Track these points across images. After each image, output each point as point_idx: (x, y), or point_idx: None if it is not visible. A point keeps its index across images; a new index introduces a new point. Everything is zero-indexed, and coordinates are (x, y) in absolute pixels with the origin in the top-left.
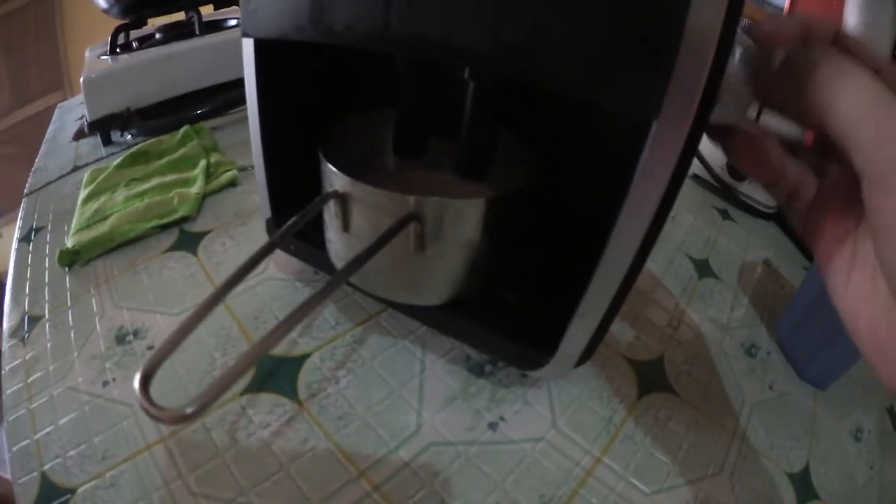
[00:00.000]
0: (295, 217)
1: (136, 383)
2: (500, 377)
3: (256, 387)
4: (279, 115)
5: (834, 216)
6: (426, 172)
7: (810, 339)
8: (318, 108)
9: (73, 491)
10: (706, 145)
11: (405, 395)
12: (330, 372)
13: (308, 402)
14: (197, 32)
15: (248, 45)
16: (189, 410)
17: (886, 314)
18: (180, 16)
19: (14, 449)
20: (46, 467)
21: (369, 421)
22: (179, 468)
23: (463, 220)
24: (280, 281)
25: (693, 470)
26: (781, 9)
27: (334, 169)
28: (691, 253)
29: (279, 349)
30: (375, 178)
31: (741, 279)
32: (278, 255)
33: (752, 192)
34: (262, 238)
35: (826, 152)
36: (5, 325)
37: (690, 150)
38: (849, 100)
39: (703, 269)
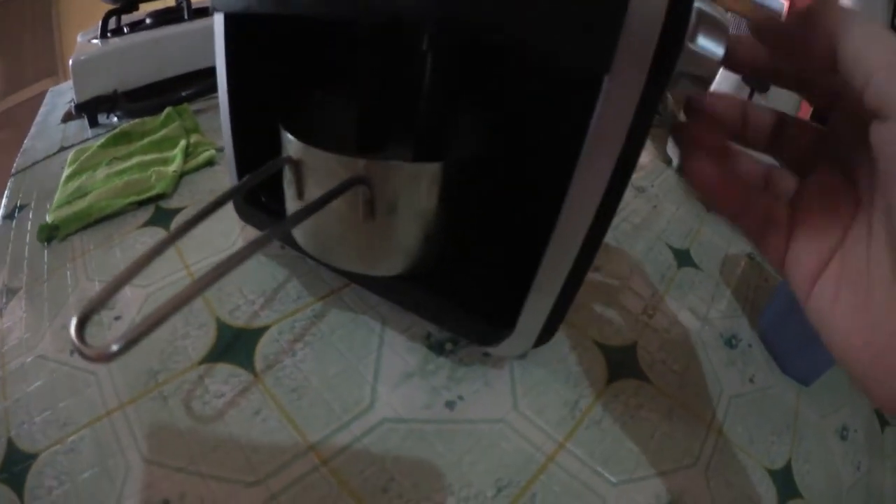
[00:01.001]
0: (249, 175)
1: (73, 325)
2: (460, 356)
3: (215, 357)
4: (247, 90)
5: (817, 232)
6: (385, 154)
7: (794, 333)
8: (286, 86)
9: (35, 456)
10: None
11: (361, 369)
12: (288, 344)
13: (263, 374)
14: (186, 18)
15: (218, 20)
16: (114, 348)
17: (886, 316)
18: (172, 3)
19: None
20: (13, 433)
21: (323, 394)
22: (135, 435)
23: (411, 185)
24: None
25: (665, 461)
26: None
27: (289, 135)
28: (672, 242)
29: (239, 321)
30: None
31: (723, 271)
32: (247, 233)
33: None
34: (232, 215)
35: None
36: None
37: (647, 109)
38: (859, 31)
39: (684, 258)
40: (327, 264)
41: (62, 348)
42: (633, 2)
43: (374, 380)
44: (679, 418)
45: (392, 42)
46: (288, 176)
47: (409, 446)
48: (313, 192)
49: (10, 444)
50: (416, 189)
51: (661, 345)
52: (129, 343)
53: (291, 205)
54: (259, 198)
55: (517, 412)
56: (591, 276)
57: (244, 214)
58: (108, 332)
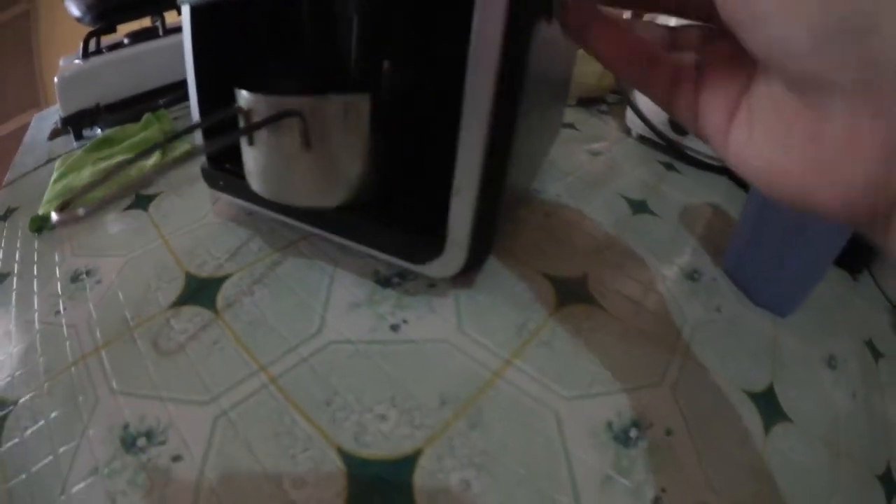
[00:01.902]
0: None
1: (56, 209)
2: (406, 287)
3: (181, 301)
4: (211, 68)
5: (724, 82)
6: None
7: (759, 261)
8: (246, 62)
9: (15, 402)
10: (647, 104)
11: (312, 303)
12: (247, 287)
13: (223, 311)
14: (161, 34)
15: (185, 11)
16: (80, 212)
17: (801, 128)
18: (148, 23)
19: None
20: None
21: (276, 325)
22: (106, 373)
23: (339, 114)
24: (216, 224)
25: (625, 379)
26: None
27: (239, 90)
28: (627, 195)
29: (205, 272)
30: None
31: (683, 217)
32: (217, 202)
33: (699, 145)
34: (206, 194)
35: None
36: None
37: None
38: None
39: (640, 207)
40: (279, 203)
41: (48, 311)
42: None
43: (323, 310)
44: (638, 341)
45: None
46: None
47: (353, 365)
48: (261, 135)
49: None
50: (344, 118)
51: (614, 276)
52: (92, 209)
53: (246, 155)
54: (224, 165)
55: (462, 333)
56: (542, 220)
57: (211, 180)
58: (89, 293)
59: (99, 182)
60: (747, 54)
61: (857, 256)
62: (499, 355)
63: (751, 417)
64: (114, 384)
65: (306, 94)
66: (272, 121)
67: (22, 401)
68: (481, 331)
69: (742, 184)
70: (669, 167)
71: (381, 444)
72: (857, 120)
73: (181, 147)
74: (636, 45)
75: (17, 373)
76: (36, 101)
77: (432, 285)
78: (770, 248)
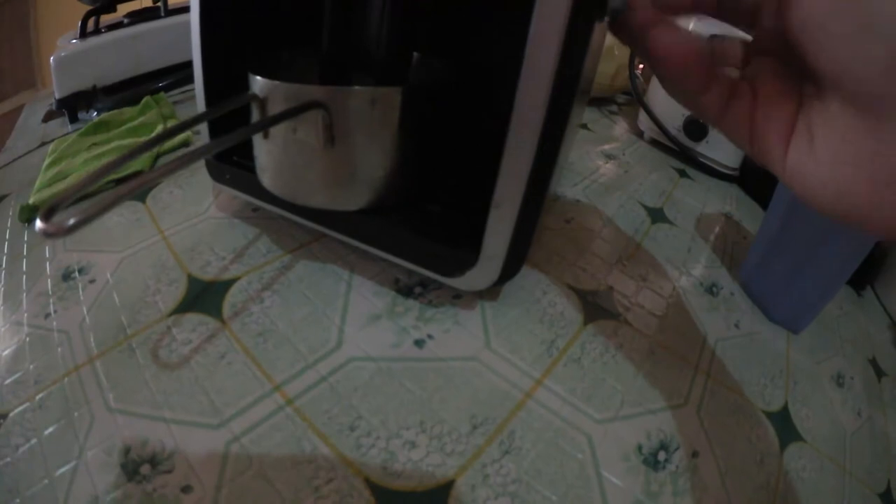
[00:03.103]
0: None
1: (41, 212)
2: (429, 298)
3: (183, 308)
4: (218, 50)
5: (779, 96)
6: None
7: (775, 277)
8: (257, 48)
9: (4, 416)
10: (660, 108)
11: (329, 313)
12: (255, 293)
13: (231, 321)
14: (162, 15)
15: None
16: (71, 222)
17: (865, 148)
18: (149, 3)
19: None
20: None
21: (289, 337)
22: (101, 386)
23: (367, 109)
24: (219, 219)
25: (652, 399)
26: None
27: (253, 75)
28: (644, 201)
29: (209, 274)
30: None
31: (699, 227)
32: (220, 195)
33: (712, 152)
34: (208, 185)
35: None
36: None
37: (580, 15)
38: None
39: (657, 215)
40: (294, 203)
41: (37, 313)
42: None
43: (341, 322)
44: (663, 358)
45: None
46: (255, 117)
47: (377, 384)
48: (278, 129)
49: None
50: (372, 113)
51: (637, 289)
52: (85, 220)
53: (258, 149)
54: (230, 157)
55: (490, 350)
56: (563, 226)
57: (216, 173)
58: (82, 294)
59: (89, 182)
60: (793, 70)
61: (862, 273)
62: (529, 374)
63: (767, 437)
64: (111, 400)
65: (328, 82)
66: (294, 113)
67: (12, 414)
68: (510, 348)
69: (754, 194)
70: (682, 173)
71: (411, 474)
72: None
73: (181, 138)
74: (696, 53)
75: (6, 381)
76: (33, 83)
77: (457, 296)
78: (787, 264)
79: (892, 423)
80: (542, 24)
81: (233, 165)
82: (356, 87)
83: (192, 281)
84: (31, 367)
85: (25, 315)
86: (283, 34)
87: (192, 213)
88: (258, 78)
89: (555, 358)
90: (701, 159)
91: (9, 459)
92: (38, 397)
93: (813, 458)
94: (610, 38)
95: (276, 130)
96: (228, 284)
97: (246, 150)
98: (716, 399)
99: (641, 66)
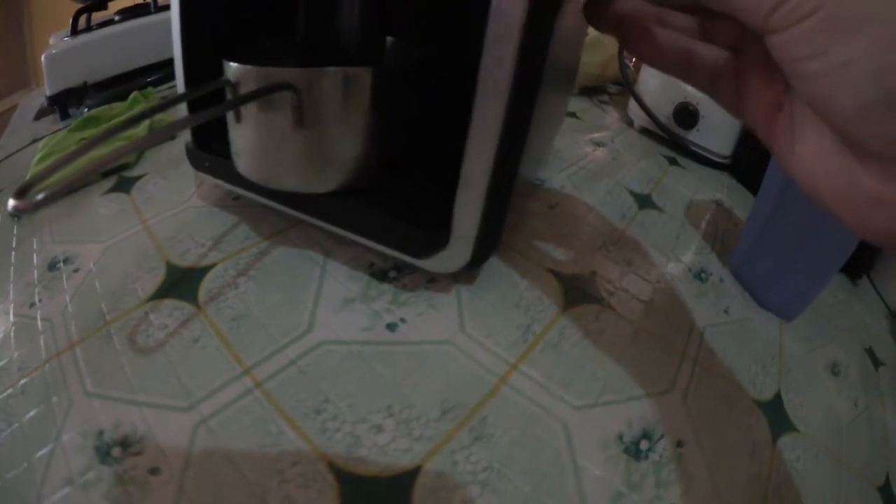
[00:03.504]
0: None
1: (13, 194)
2: (404, 282)
3: (161, 294)
4: (199, 41)
5: (761, 84)
6: None
7: (766, 264)
8: (236, 38)
9: None
10: (650, 97)
11: (302, 297)
12: (231, 279)
13: (206, 305)
14: (152, 11)
15: None
16: (39, 197)
17: (840, 161)
18: (140, 1)
19: None
20: None
21: (262, 321)
22: (80, 372)
23: (337, 89)
24: (201, 208)
25: (635, 386)
26: None
27: (227, 62)
28: (632, 188)
29: (187, 261)
30: None
31: (688, 214)
32: (202, 185)
33: (703, 140)
34: (190, 176)
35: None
36: None
37: None
38: None
39: (645, 201)
40: (269, 189)
41: (23, 303)
42: None
43: (313, 306)
44: (648, 344)
45: None
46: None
47: (346, 368)
48: (250, 112)
49: None
50: (342, 94)
51: (621, 275)
52: (52, 195)
53: (233, 133)
54: (210, 145)
55: (464, 334)
56: (547, 212)
57: (196, 161)
58: (66, 283)
59: (64, 161)
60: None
61: (857, 261)
62: (504, 359)
63: (759, 426)
64: (88, 385)
65: (298, 64)
66: (262, 94)
67: None
68: (485, 331)
69: (746, 182)
70: (673, 161)
71: (376, 459)
72: (888, 186)
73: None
74: (675, 48)
75: None
76: (27, 82)
77: (432, 280)
78: (778, 250)
79: (890, 413)
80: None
81: (211, 153)
82: (324, 68)
83: (171, 268)
84: (16, 354)
85: (12, 305)
86: (261, 25)
87: (175, 203)
88: (230, 63)
89: (531, 342)
90: (692, 148)
91: None
92: (20, 383)
93: (807, 449)
94: None
95: (248, 114)
96: (205, 271)
97: (224, 138)
98: (703, 386)
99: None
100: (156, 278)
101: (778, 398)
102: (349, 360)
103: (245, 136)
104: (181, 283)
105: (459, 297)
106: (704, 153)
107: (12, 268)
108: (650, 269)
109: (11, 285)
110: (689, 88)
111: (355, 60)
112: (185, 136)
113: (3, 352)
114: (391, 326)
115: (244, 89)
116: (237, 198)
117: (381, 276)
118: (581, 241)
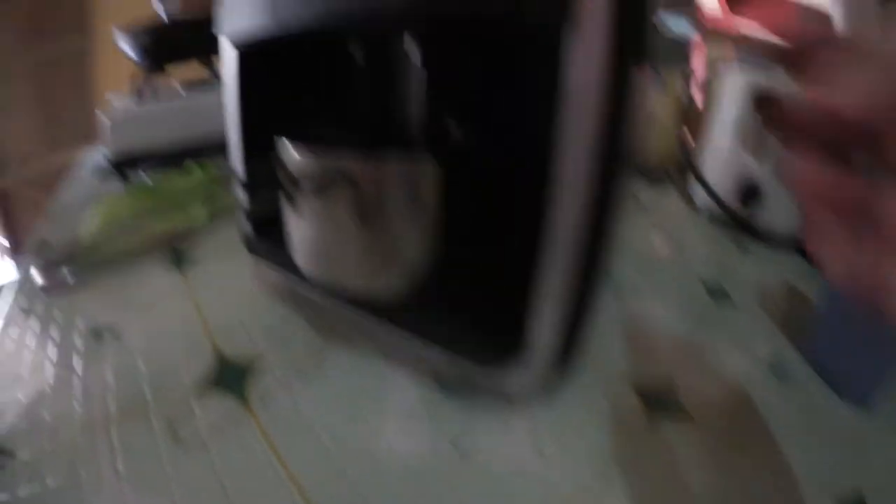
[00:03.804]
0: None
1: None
2: (472, 395)
3: (209, 386)
4: (254, 120)
5: None
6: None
7: (846, 353)
8: (291, 114)
9: (13, 455)
10: (713, 177)
11: (359, 404)
12: (284, 377)
13: (254, 403)
14: (214, 86)
15: (227, 49)
16: (70, 281)
17: None
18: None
19: None
20: None
21: (313, 426)
22: (114, 450)
23: (399, 181)
24: (257, 297)
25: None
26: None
27: (282, 140)
28: (704, 279)
29: (238, 353)
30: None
31: (763, 304)
32: (259, 273)
33: (770, 219)
34: (248, 262)
35: None
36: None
37: (622, 63)
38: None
39: (719, 295)
40: (327, 285)
41: (63, 364)
42: None
43: (371, 415)
44: (728, 458)
45: (376, 54)
46: (284, 188)
47: (403, 488)
48: (308, 202)
49: None
50: (404, 186)
51: (701, 382)
52: (85, 278)
53: (291, 224)
54: (268, 231)
55: (540, 457)
56: (617, 310)
57: (252, 246)
58: (109, 355)
59: (106, 238)
60: None
61: None
62: (583, 485)
63: None
64: (120, 467)
65: (360, 154)
66: (321, 183)
67: (20, 455)
68: (563, 454)
69: (813, 260)
70: (740, 245)
71: None
72: None
73: (225, 202)
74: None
75: (22, 423)
76: (89, 137)
77: (503, 395)
78: (852, 334)
79: None
80: (576, 66)
81: (269, 241)
82: (387, 159)
83: (220, 358)
84: (48, 415)
85: (50, 365)
86: (319, 108)
87: (230, 288)
88: (287, 145)
89: (611, 464)
90: (759, 228)
91: (8, 495)
92: (49, 446)
93: None
94: (657, 109)
95: (305, 204)
96: (257, 365)
97: (284, 225)
98: (783, 496)
99: (693, 138)
100: (204, 366)
101: (859, 496)
102: (407, 478)
103: (302, 228)
104: (230, 375)
105: (535, 416)
106: (771, 233)
107: (55, 326)
108: (731, 371)
109: (52, 344)
110: (754, 166)
111: (417, 146)
112: (245, 221)
113: (35, 410)
114: (458, 446)
115: (301, 176)
116: (294, 289)
117: (447, 387)
118: (658, 347)
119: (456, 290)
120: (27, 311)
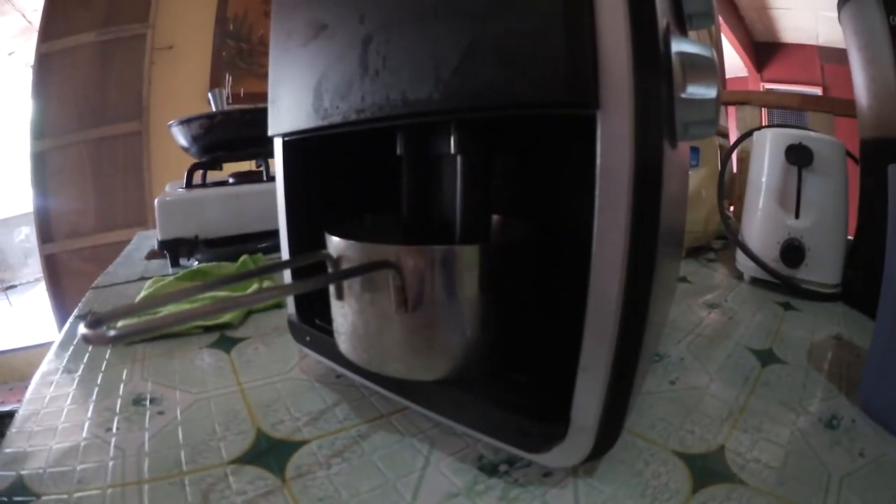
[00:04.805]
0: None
1: (87, 321)
2: (516, 476)
3: (246, 460)
4: (303, 212)
5: None
6: None
7: (894, 391)
8: (336, 207)
9: (38, 497)
10: (755, 243)
11: (399, 488)
12: (324, 458)
13: (292, 481)
14: (265, 179)
15: (277, 145)
16: (111, 333)
17: None
18: (253, 167)
19: (6, 450)
20: (25, 472)
21: None
22: None
23: (441, 269)
24: (301, 381)
25: None
26: None
27: (327, 234)
28: (752, 346)
29: (280, 432)
30: None
31: (811, 359)
32: (304, 358)
33: (812, 275)
34: (294, 347)
35: None
36: (43, 367)
37: (649, 146)
38: None
39: (767, 357)
40: (371, 371)
41: (100, 424)
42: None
43: (412, 499)
44: None
45: (419, 150)
46: (328, 276)
47: None
48: (352, 289)
49: (20, 479)
50: (447, 274)
51: (752, 444)
52: (127, 334)
53: (335, 310)
54: (313, 319)
55: None
56: (668, 388)
57: (298, 335)
58: (147, 423)
59: (150, 303)
60: None
61: None
62: None
63: None
64: None
65: (403, 242)
66: (362, 271)
67: (45, 499)
68: None
69: (861, 306)
70: (787, 306)
71: None
72: None
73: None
74: None
75: (51, 469)
76: (143, 220)
77: (547, 474)
78: None
79: None
80: (606, 147)
81: (314, 328)
82: (427, 246)
83: (261, 435)
84: (79, 466)
85: (88, 423)
86: (367, 200)
87: (274, 371)
88: (332, 237)
89: None
90: (803, 286)
91: None
92: (76, 495)
93: None
94: (695, 181)
95: (350, 292)
96: (297, 445)
97: (328, 314)
98: None
99: (732, 205)
100: (243, 442)
101: None
102: None
103: (346, 315)
104: (269, 452)
105: (577, 491)
106: (815, 288)
107: (97, 388)
108: (780, 430)
109: (92, 404)
110: (792, 223)
111: (460, 238)
112: (290, 307)
113: (67, 459)
114: None
115: (345, 263)
116: (339, 375)
117: (490, 470)
118: (706, 416)
119: (498, 374)
120: (71, 372)
